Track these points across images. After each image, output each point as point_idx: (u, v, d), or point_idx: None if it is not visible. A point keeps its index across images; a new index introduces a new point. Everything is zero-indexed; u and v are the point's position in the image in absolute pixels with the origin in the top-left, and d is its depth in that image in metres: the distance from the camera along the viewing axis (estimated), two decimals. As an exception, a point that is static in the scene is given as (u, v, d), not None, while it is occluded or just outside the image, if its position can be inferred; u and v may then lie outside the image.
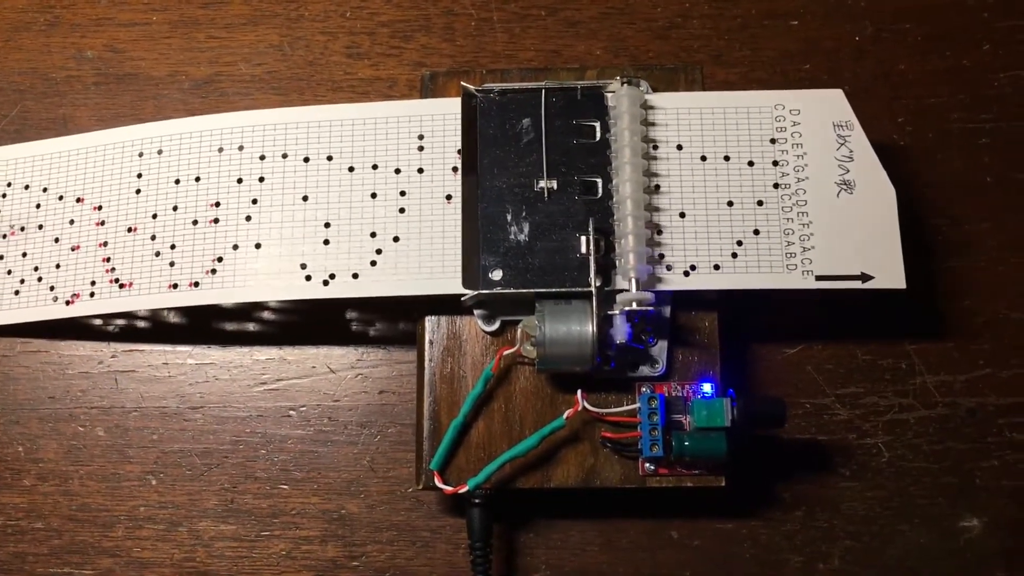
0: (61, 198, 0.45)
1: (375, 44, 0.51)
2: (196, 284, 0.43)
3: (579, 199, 0.42)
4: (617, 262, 0.41)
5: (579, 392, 0.41)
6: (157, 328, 0.48)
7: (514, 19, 0.51)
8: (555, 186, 0.42)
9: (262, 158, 0.44)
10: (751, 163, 0.43)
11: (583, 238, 0.41)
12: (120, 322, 0.48)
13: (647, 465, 0.41)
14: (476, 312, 0.42)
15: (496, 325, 0.43)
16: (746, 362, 0.46)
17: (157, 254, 0.43)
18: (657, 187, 0.42)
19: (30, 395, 0.47)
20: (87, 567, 0.45)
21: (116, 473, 0.46)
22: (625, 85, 0.42)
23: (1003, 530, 0.44)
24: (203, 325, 0.47)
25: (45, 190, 0.46)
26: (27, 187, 0.46)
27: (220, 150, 0.44)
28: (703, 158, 0.43)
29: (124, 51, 0.51)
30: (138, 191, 0.44)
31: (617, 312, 0.40)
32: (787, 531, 0.45)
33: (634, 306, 0.40)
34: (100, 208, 0.45)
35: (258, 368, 0.47)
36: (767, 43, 0.50)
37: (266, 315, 0.47)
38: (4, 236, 0.46)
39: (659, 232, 0.42)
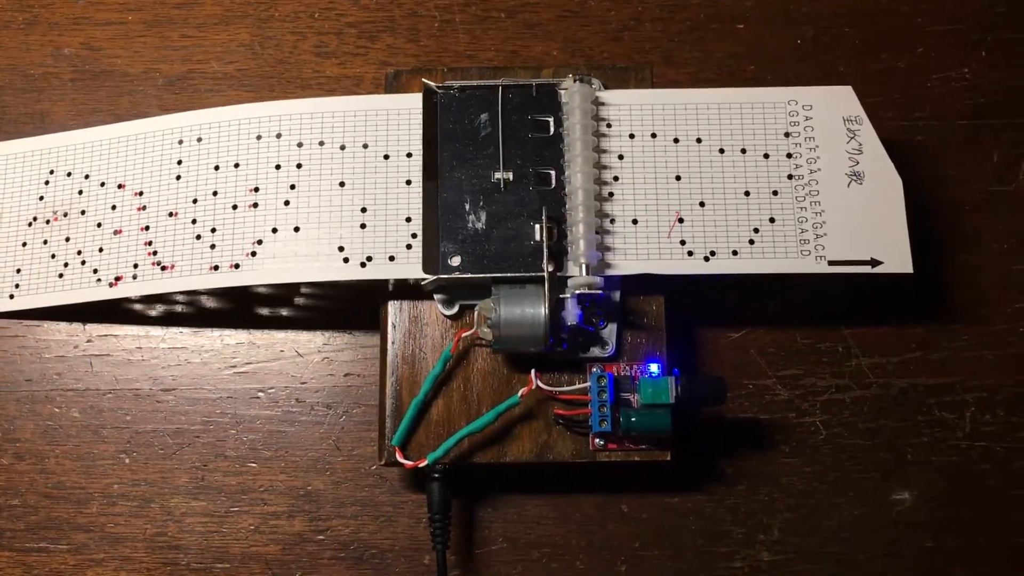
0: (103, 184, 0.47)
1: (342, 44, 0.53)
2: (237, 266, 0.44)
3: (533, 190, 0.44)
4: (568, 249, 0.44)
5: (533, 372, 0.43)
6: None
7: (475, 21, 0.53)
8: (511, 177, 0.45)
9: (299, 145, 0.45)
10: (766, 155, 0.45)
11: (537, 226, 0.44)
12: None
13: (597, 440, 0.44)
14: (436, 296, 0.45)
15: (455, 309, 0.45)
16: (693, 345, 0.49)
17: (198, 237, 0.45)
18: (616, 178, 0.45)
19: (7, 378, 0.49)
20: (62, 542, 0.47)
21: (91, 452, 0.48)
22: (577, 82, 0.45)
23: (932, 503, 0.47)
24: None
25: (87, 177, 0.47)
26: (69, 174, 0.48)
27: (258, 138, 0.46)
28: (721, 151, 0.45)
29: (100, 49, 0.53)
30: (178, 177, 0.46)
31: (569, 296, 0.43)
32: (730, 504, 0.47)
33: (584, 290, 0.42)
34: (141, 194, 0.46)
35: (228, 352, 0.49)
36: (714, 45, 0.53)
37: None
38: (47, 222, 0.47)
39: (612, 221, 0.44)
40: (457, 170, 0.45)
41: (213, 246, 0.45)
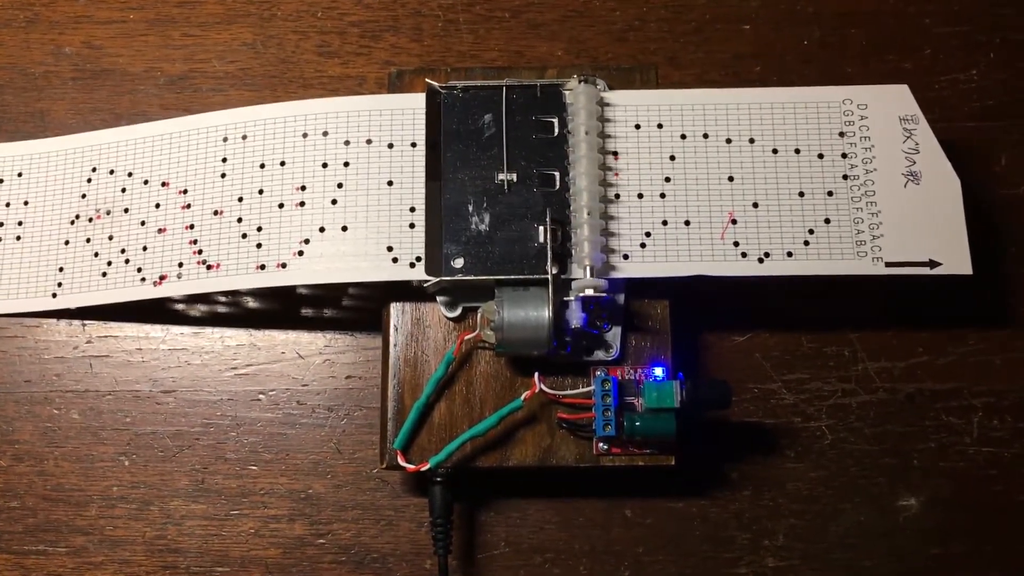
0: (146, 182, 0.46)
1: (345, 43, 0.52)
2: (284, 265, 0.44)
3: (537, 191, 0.44)
4: (573, 251, 0.43)
5: (536, 375, 0.43)
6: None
7: (479, 20, 0.53)
8: (515, 179, 0.44)
9: (346, 143, 0.45)
10: (821, 155, 0.45)
11: (541, 228, 0.43)
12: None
13: (601, 444, 0.43)
14: (439, 298, 0.44)
15: (458, 311, 0.44)
16: (698, 349, 0.48)
17: (244, 236, 0.44)
18: (616, 174, 0.44)
19: (6, 379, 0.48)
20: (61, 544, 0.47)
21: (90, 454, 0.48)
22: (582, 83, 0.45)
23: (938, 509, 0.47)
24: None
25: (130, 174, 0.47)
26: (112, 172, 0.47)
27: (304, 136, 0.45)
28: (775, 151, 0.45)
29: (101, 48, 0.52)
30: (223, 175, 0.45)
31: (572, 298, 0.42)
32: (735, 509, 0.47)
33: (588, 293, 0.42)
34: (185, 192, 0.46)
35: (229, 353, 0.49)
36: (720, 46, 0.52)
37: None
38: (90, 220, 0.47)
39: (612, 220, 0.44)
40: (460, 171, 0.44)
41: (259, 245, 0.44)
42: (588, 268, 0.42)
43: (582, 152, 0.43)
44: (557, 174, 0.44)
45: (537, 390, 0.43)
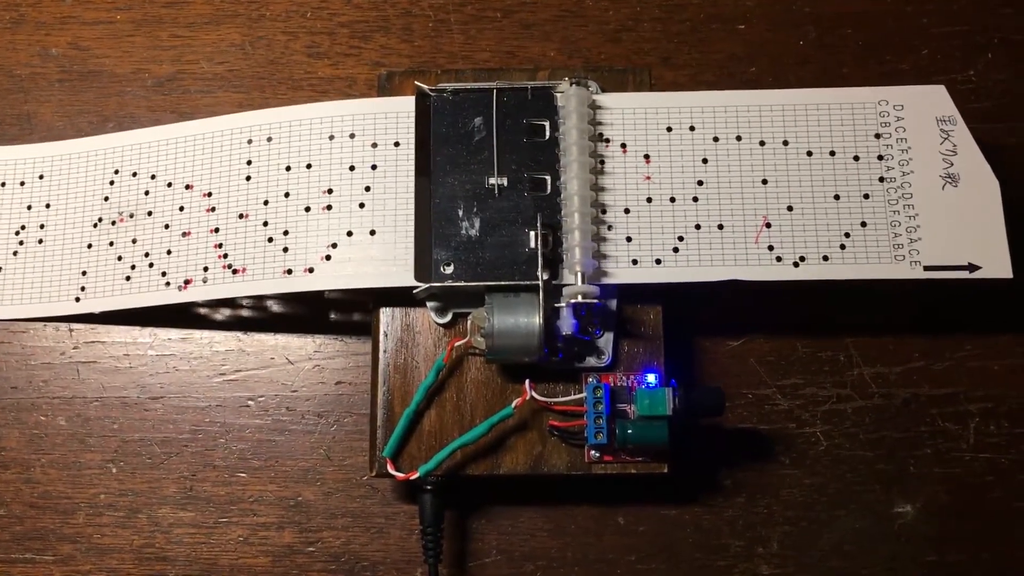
0: (170, 185, 0.46)
1: (335, 44, 0.52)
2: (311, 270, 0.43)
3: (528, 196, 0.43)
4: (564, 257, 0.43)
5: (527, 382, 0.42)
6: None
7: (470, 20, 0.52)
8: (505, 183, 0.44)
9: (374, 146, 0.44)
10: (856, 158, 0.44)
11: (532, 233, 0.43)
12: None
13: (592, 452, 0.43)
14: (429, 304, 0.44)
15: (448, 317, 0.44)
16: (691, 354, 0.48)
17: (270, 240, 0.44)
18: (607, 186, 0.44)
19: (-7, 385, 0.48)
20: (48, 553, 0.46)
21: (77, 461, 0.47)
22: (574, 85, 0.44)
23: (935, 516, 0.46)
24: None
25: (153, 177, 0.46)
26: (135, 174, 0.46)
27: (331, 138, 0.44)
28: (809, 153, 0.44)
29: (88, 49, 0.52)
30: (248, 178, 0.45)
31: (564, 305, 0.42)
32: (728, 516, 0.46)
33: (580, 299, 0.41)
34: (210, 194, 0.45)
35: (217, 359, 0.48)
36: (714, 46, 0.51)
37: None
38: (113, 223, 0.46)
39: (609, 228, 0.43)
40: (450, 175, 0.44)
41: (286, 249, 0.44)
42: (579, 274, 0.42)
43: (573, 156, 0.43)
44: (548, 178, 0.44)
45: (528, 397, 0.42)
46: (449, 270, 0.43)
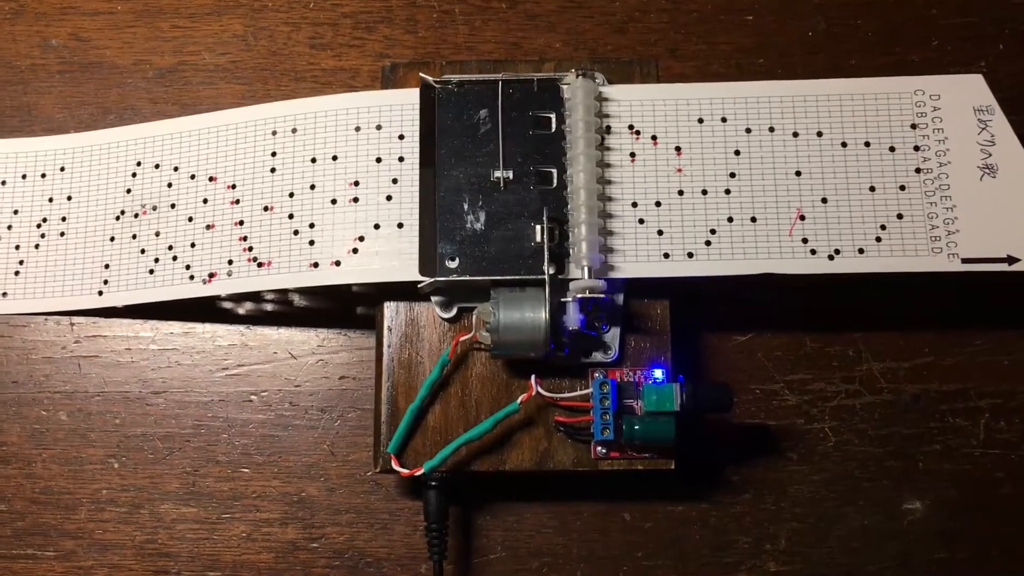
0: (193, 177, 0.45)
1: (338, 35, 0.51)
2: (338, 263, 0.42)
3: (534, 189, 0.43)
4: (570, 251, 0.42)
5: (533, 377, 0.42)
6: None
7: (475, 11, 0.51)
8: (511, 176, 0.43)
9: (401, 137, 0.44)
10: (892, 148, 0.43)
11: (538, 227, 0.42)
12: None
13: (599, 448, 0.42)
14: (433, 299, 0.43)
15: (453, 312, 0.43)
16: (698, 349, 0.47)
17: (296, 233, 0.43)
18: (610, 180, 0.43)
19: (-7, 380, 0.47)
20: (49, 549, 0.46)
21: (79, 456, 0.47)
22: (580, 77, 0.43)
23: (944, 512, 0.46)
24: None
25: (176, 169, 0.45)
26: (157, 166, 0.46)
27: (357, 129, 0.44)
28: (843, 144, 0.43)
29: (89, 40, 0.51)
30: (273, 170, 0.44)
31: (570, 299, 0.41)
32: (736, 513, 0.46)
33: (587, 294, 0.41)
34: (234, 187, 0.44)
35: (220, 353, 0.48)
36: (722, 37, 0.51)
37: None
38: (136, 215, 0.45)
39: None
40: (455, 168, 0.43)
41: (312, 242, 0.43)
42: (586, 268, 0.41)
43: (580, 149, 0.42)
44: (555, 171, 0.43)
45: (534, 393, 0.42)
46: (454, 264, 0.42)
